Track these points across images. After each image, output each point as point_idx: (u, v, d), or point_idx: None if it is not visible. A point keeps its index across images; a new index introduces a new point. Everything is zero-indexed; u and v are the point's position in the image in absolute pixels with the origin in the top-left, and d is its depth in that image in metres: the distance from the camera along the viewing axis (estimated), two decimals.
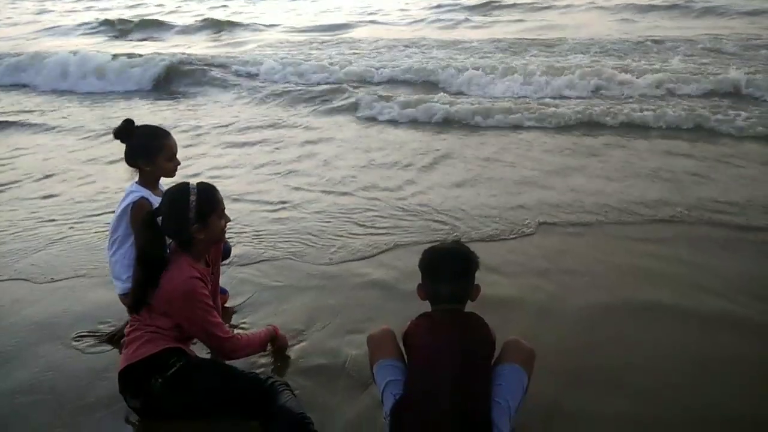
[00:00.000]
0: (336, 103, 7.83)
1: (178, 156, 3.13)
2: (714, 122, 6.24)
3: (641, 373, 2.67)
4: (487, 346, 2.15)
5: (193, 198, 2.37)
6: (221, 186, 2.62)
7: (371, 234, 4.11)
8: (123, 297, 3.18)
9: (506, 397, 2.08)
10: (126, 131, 3.06)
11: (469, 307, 2.26)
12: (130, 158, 3.11)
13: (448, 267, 2.22)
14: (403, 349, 2.25)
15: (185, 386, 2.34)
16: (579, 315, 3.11)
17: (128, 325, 2.49)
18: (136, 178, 3.16)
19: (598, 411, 2.45)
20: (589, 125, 6.47)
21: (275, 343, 2.80)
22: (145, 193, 3.09)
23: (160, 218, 2.42)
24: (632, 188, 4.74)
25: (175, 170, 3.21)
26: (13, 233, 4.36)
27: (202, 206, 2.39)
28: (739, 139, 5.92)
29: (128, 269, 3.08)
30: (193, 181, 2.49)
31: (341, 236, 4.10)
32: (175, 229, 2.41)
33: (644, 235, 3.95)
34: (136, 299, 2.39)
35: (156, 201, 3.10)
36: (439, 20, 15.28)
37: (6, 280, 3.71)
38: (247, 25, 15.93)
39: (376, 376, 2.23)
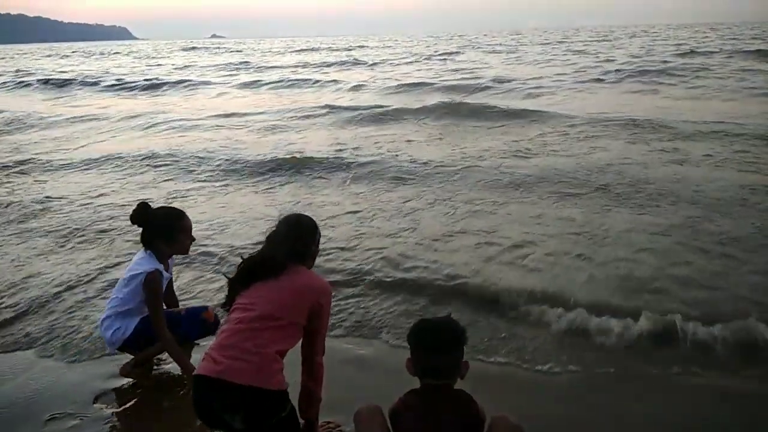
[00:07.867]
0: None
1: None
2: None
3: None
4: (477, 424, 2.15)
5: (319, 231, 2.72)
6: None
7: (353, 308, 4.10)
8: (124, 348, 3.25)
9: None
10: (143, 215, 3.17)
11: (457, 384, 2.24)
12: (150, 240, 3.18)
13: (438, 341, 2.19)
14: (390, 427, 2.22)
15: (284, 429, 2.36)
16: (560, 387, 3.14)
17: (228, 323, 2.44)
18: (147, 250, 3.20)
19: None
20: None
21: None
22: (159, 266, 3.14)
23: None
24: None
25: (190, 246, 3.30)
26: None
27: (319, 239, 2.73)
28: None
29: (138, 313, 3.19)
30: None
31: None
32: (303, 248, 2.61)
33: None
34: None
35: (167, 276, 3.23)
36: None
37: None
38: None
39: None
